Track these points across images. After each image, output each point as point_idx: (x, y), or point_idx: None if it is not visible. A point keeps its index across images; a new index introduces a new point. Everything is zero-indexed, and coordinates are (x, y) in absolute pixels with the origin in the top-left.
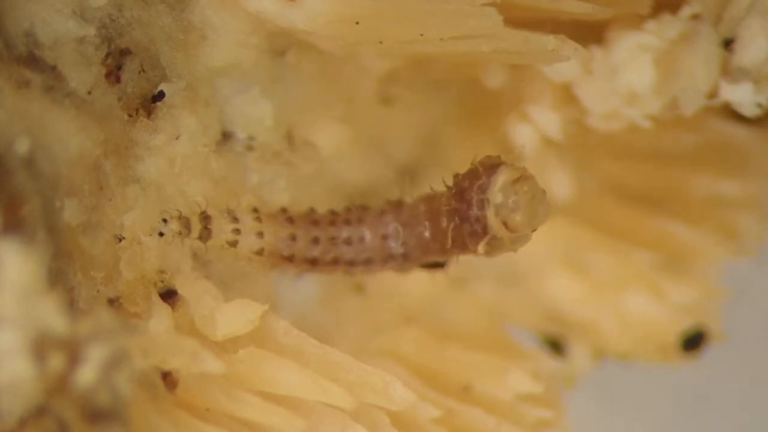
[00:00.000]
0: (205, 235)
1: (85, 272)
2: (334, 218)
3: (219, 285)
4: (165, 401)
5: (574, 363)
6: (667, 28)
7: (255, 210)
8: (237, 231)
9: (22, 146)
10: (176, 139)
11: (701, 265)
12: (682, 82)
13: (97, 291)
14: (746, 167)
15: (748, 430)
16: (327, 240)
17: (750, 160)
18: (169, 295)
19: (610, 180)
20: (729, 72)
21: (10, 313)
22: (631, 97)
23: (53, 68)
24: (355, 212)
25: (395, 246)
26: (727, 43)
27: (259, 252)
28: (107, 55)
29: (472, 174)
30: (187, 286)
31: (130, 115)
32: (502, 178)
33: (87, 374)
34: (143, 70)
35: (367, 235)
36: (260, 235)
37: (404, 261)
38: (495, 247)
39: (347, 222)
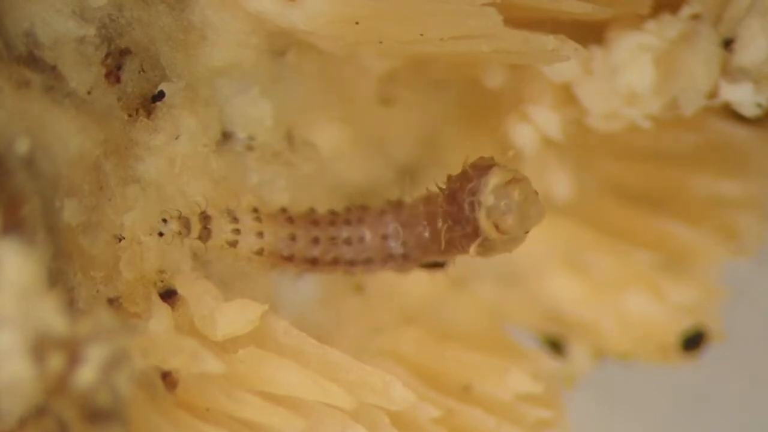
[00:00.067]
0: (205, 235)
1: (85, 272)
2: (334, 218)
3: (219, 285)
4: (165, 401)
5: (574, 363)
6: (667, 28)
7: (255, 210)
8: (237, 231)
9: (22, 146)
10: (176, 139)
11: (701, 265)
12: (682, 82)
13: (97, 291)
14: (746, 167)
15: (748, 430)
16: (327, 240)
17: (750, 160)
18: (168, 295)
19: (610, 180)
20: (729, 72)
21: (9, 313)
22: (631, 97)
23: (53, 68)
24: (355, 212)
25: (395, 246)
26: (727, 43)
27: (259, 252)
28: (107, 55)
29: (464, 176)
30: (187, 286)
31: (130, 115)
32: (493, 180)
33: (87, 374)
34: (143, 70)
35: (367, 235)
36: (260, 235)
37: (404, 261)
38: (487, 248)
39: (347, 222)
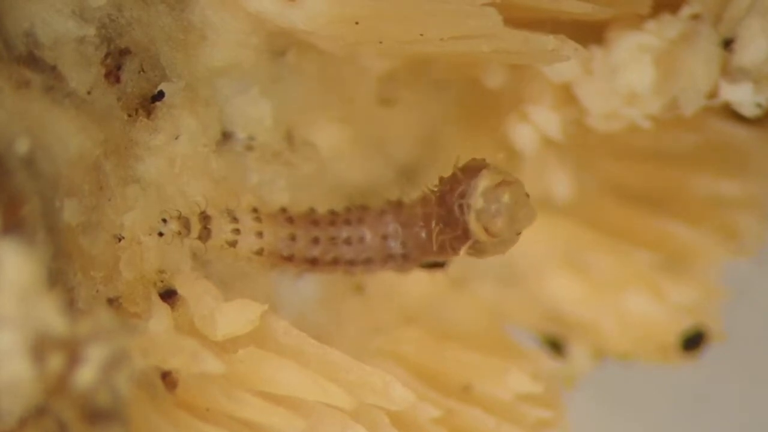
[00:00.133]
0: (205, 235)
1: (85, 272)
2: (334, 218)
3: (219, 285)
4: (165, 401)
5: (574, 363)
6: (667, 28)
7: (255, 210)
8: (237, 231)
9: (22, 146)
10: (176, 139)
11: (701, 265)
12: (682, 82)
13: (97, 291)
14: (746, 167)
15: (748, 430)
16: (327, 240)
17: (750, 160)
18: (168, 295)
19: (610, 180)
20: (729, 72)
21: (9, 313)
22: (631, 97)
23: (53, 68)
24: (355, 212)
25: (395, 246)
26: (727, 43)
27: (259, 252)
28: (107, 55)
29: (453, 179)
30: (187, 286)
31: (129, 115)
32: (483, 183)
33: (86, 374)
34: (143, 70)
35: (367, 235)
36: (260, 235)
37: (404, 261)
38: (478, 251)
39: (347, 222)
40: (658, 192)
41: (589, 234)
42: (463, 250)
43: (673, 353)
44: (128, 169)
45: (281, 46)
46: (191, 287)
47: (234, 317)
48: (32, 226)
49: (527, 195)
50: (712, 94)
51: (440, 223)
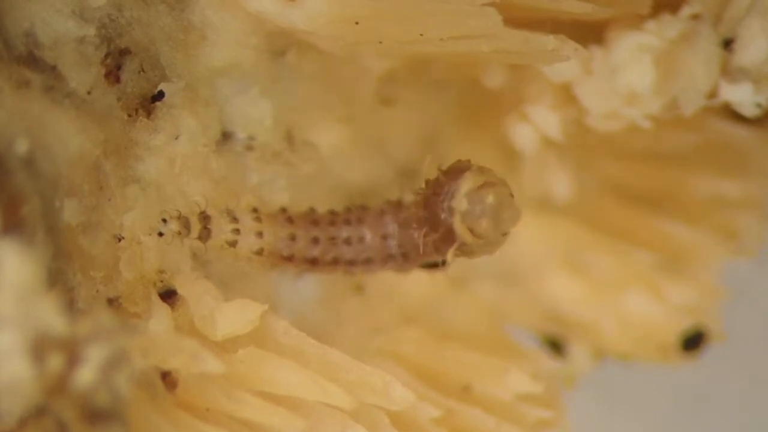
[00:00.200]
0: (205, 235)
1: (85, 272)
2: (333, 218)
3: (219, 285)
4: (165, 401)
5: (574, 363)
6: (667, 28)
7: (255, 210)
8: (236, 231)
9: (22, 146)
10: (176, 139)
11: (701, 265)
12: (682, 82)
13: (97, 291)
14: (746, 167)
15: (748, 430)
16: (327, 240)
17: (750, 160)
18: (168, 295)
19: (610, 180)
20: (729, 72)
21: (9, 313)
22: (631, 97)
23: (53, 68)
24: (355, 212)
25: (394, 246)
26: (727, 43)
27: (259, 252)
28: (107, 55)
29: (436, 182)
30: (187, 286)
31: (129, 115)
32: (466, 185)
33: (86, 374)
34: (143, 70)
35: (367, 235)
36: (260, 235)
37: (404, 261)
38: (465, 252)
39: (347, 222)
40: (658, 192)
41: (589, 234)
42: (450, 254)
43: (673, 353)
44: (128, 169)
45: (281, 46)
46: (191, 287)
47: (234, 317)
48: (32, 226)
49: (512, 195)
50: (712, 94)
51: (426, 225)
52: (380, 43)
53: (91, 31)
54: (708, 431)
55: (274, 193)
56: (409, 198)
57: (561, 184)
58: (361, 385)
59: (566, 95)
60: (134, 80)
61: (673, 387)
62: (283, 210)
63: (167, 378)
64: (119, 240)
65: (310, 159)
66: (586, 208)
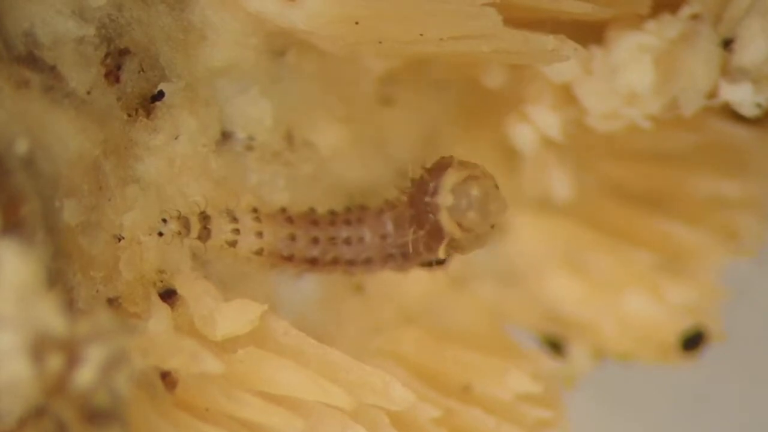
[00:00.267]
0: (205, 235)
1: (85, 272)
2: (333, 218)
3: (219, 285)
4: (164, 401)
5: (574, 363)
6: (667, 28)
7: (254, 210)
8: (236, 231)
9: (21, 146)
10: (176, 139)
11: (701, 265)
12: (682, 82)
13: (97, 291)
14: (746, 167)
15: (748, 430)
16: (326, 240)
17: (750, 160)
18: (168, 295)
19: (610, 180)
20: (729, 72)
21: (9, 313)
22: (631, 97)
23: (53, 68)
24: (355, 212)
25: (393, 246)
26: (727, 43)
27: (259, 252)
28: (107, 55)
29: (420, 180)
30: (187, 286)
31: (129, 115)
32: (450, 180)
33: (86, 374)
34: (143, 70)
35: (367, 235)
36: (259, 235)
37: (404, 260)
38: (456, 247)
39: (347, 222)
40: (658, 192)
41: (589, 234)
42: (441, 250)
43: (673, 353)
44: (128, 169)
45: (281, 46)
46: (191, 287)
47: (234, 317)
48: (32, 226)
49: (497, 186)
50: (712, 94)
51: (414, 224)
52: (380, 43)
53: (90, 31)
54: (708, 431)
55: (274, 193)
56: (399, 197)
57: (561, 184)
58: (361, 385)
59: (566, 95)
60: (134, 80)
61: (673, 387)
62: (283, 210)
63: (167, 378)
64: (119, 240)
65: (310, 159)
66: (586, 208)
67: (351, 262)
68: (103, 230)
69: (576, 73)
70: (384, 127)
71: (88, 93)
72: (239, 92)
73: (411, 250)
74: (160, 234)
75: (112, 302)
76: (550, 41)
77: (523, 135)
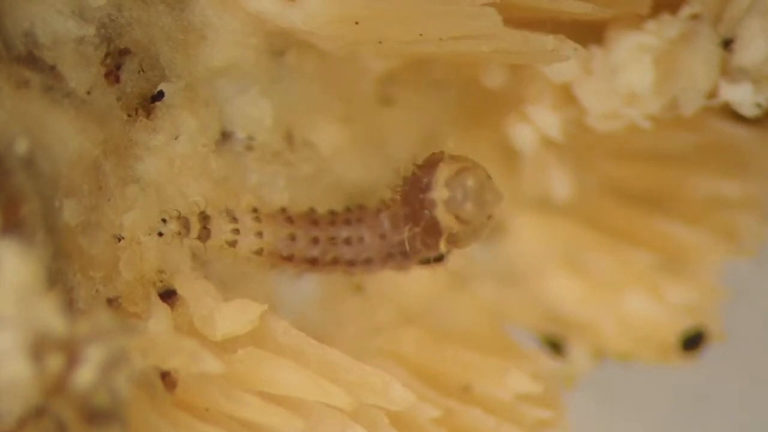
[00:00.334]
0: (204, 235)
1: (84, 272)
2: (333, 218)
3: (218, 285)
4: (164, 401)
5: (574, 363)
6: (667, 28)
7: (254, 210)
8: (236, 231)
9: (21, 146)
10: (175, 139)
11: (701, 265)
12: (682, 82)
13: (96, 291)
14: (746, 167)
15: (748, 430)
16: (326, 240)
17: (750, 160)
18: (168, 295)
19: (610, 180)
20: (729, 72)
21: (8, 313)
22: (631, 97)
23: (52, 68)
24: (355, 212)
25: (393, 245)
26: (727, 43)
27: (259, 252)
28: (106, 55)
29: (413, 177)
30: (187, 286)
31: (129, 115)
32: (443, 174)
33: (86, 374)
34: (142, 70)
35: (367, 234)
36: (259, 234)
37: (403, 259)
38: (455, 241)
39: (347, 222)
40: (658, 192)
41: (589, 234)
42: (442, 245)
43: (673, 353)
44: (128, 169)
45: (281, 46)
46: (191, 287)
47: (233, 317)
48: (32, 226)
49: (490, 177)
50: (712, 94)
51: (409, 222)
52: (380, 43)
53: (90, 31)
54: (708, 431)
55: (274, 193)
56: (393, 196)
57: (561, 184)
58: (361, 385)
59: (566, 95)
60: (134, 80)
61: (673, 387)
62: (283, 210)
63: (167, 378)
64: (119, 240)
65: (310, 159)
66: (586, 208)
67: (351, 262)
68: (103, 230)
69: (576, 73)
70: (384, 127)
71: (88, 93)
72: (239, 92)
73: (409, 249)
74: (160, 234)
75: (111, 302)
76: (550, 41)
77: (523, 135)
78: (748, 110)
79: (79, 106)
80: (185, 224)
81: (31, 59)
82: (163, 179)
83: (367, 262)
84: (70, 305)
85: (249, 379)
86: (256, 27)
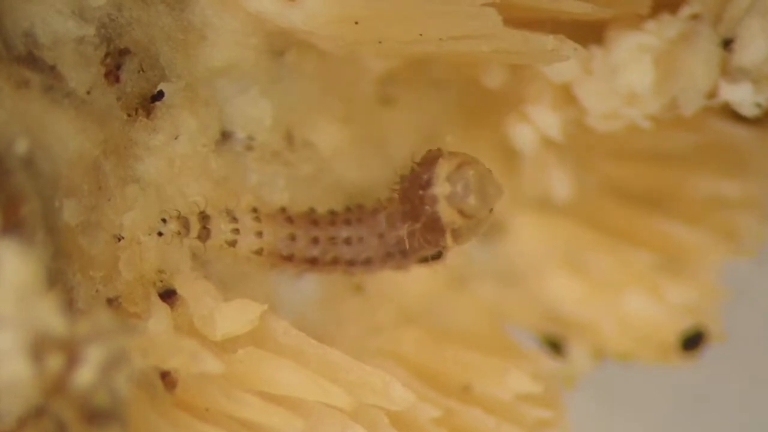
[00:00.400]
0: (204, 234)
1: (84, 272)
2: (333, 218)
3: (218, 285)
4: (164, 401)
5: (574, 363)
6: (667, 28)
7: (254, 210)
8: (236, 231)
9: (21, 146)
10: (175, 139)
11: (701, 265)
12: (682, 82)
13: (96, 291)
14: (746, 167)
15: (748, 430)
16: (326, 240)
17: (750, 160)
18: (168, 295)
19: (610, 180)
20: (728, 72)
21: (8, 313)
22: (631, 97)
23: (52, 68)
24: (355, 212)
25: (392, 244)
26: (727, 43)
27: (258, 252)
28: (106, 55)
29: (413, 174)
30: (187, 286)
31: (129, 115)
32: (443, 169)
33: (86, 374)
34: (142, 70)
35: (367, 234)
36: (259, 234)
37: (402, 257)
38: (457, 237)
39: (347, 222)
40: (658, 192)
41: (589, 234)
42: (448, 238)
43: (673, 353)
44: (128, 169)
45: (281, 46)
46: (191, 287)
47: (233, 317)
48: (32, 226)
49: (490, 170)
50: (712, 94)
51: (409, 219)
52: (380, 43)
53: (90, 31)
54: (708, 431)
55: (274, 193)
56: (391, 195)
57: (561, 184)
58: (361, 385)
59: (566, 95)
60: (134, 80)
61: (673, 387)
62: (283, 210)
63: (167, 378)
64: (119, 240)
65: (310, 159)
66: (586, 208)
67: (351, 262)
68: (103, 230)
69: (576, 73)
70: (384, 127)
71: (88, 93)
72: (239, 92)
73: (408, 247)
74: (160, 234)
75: (111, 302)
76: (550, 41)
77: (523, 135)
78: (748, 110)
79: (79, 106)
80: (185, 224)
81: (31, 59)
82: (163, 179)
83: (367, 262)
84: (70, 305)
85: (249, 379)
86: (256, 27)
